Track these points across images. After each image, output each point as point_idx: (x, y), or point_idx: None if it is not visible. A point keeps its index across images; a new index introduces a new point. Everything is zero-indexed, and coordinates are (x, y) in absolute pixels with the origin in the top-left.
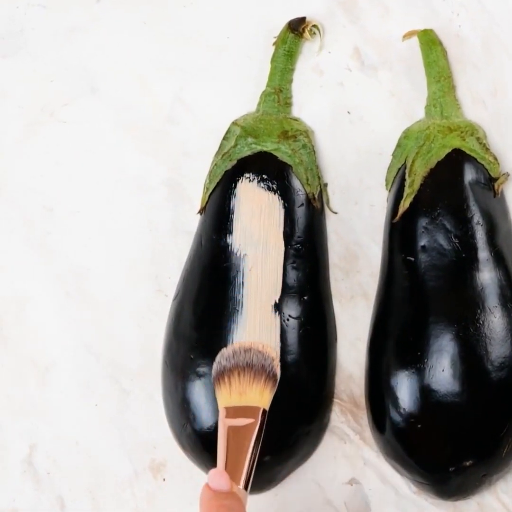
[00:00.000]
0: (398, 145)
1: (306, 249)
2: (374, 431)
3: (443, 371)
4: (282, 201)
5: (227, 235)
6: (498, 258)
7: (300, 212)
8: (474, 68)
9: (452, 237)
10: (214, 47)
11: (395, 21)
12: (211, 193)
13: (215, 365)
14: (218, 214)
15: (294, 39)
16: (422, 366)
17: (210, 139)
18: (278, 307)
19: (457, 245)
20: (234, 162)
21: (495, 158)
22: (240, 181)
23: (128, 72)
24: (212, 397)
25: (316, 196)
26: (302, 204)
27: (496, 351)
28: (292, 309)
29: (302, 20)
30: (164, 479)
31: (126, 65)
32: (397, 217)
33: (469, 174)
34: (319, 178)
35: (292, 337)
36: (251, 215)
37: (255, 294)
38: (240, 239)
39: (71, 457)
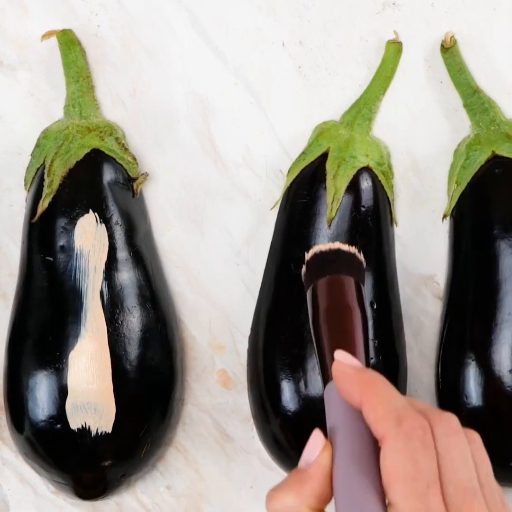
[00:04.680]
0: (37, 145)
1: None
2: (12, 431)
3: None
4: None
5: None
6: (137, 258)
7: None
8: (113, 68)
9: None
10: None
11: (34, 21)
12: None
13: None
14: None
15: None
16: (61, 365)
17: None
18: None
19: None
20: None
21: (134, 158)
22: None
23: None
24: None
25: None
26: None
27: (135, 350)
28: None
29: None
30: None
31: None
32: (36, 217)
33: (108, 174)
34: None
35: None
36: None
37: None
38: None
39: None
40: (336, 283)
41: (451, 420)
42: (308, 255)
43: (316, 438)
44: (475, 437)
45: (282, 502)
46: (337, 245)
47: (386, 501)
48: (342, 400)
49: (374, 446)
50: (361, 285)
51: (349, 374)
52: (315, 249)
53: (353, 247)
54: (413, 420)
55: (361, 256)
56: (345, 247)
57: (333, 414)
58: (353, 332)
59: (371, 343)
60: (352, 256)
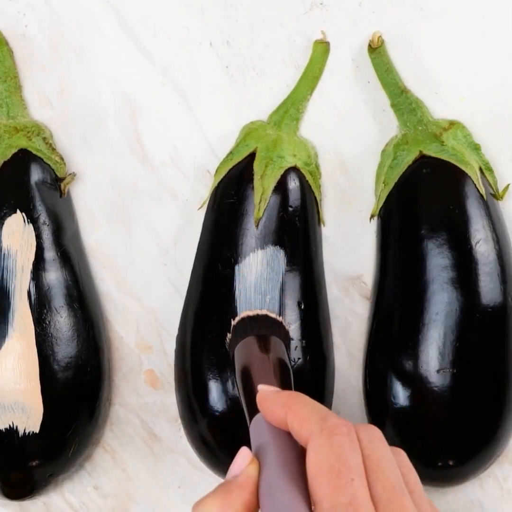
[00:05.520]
0: None
1: None
2: None
3: None
4: None
5: None
6: (65, 258)
7: None
8: (41, 68)
9: None
10: None
11: None
12: None
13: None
14: None
15: None
16: None
17: None
18: None
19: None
20: None
21: (62, 158)
22: None
23: None
24: None
25: None
26: None
27: (63, 350)
28: None
29: None
30: None
31: None
32: None
33: (36, 174)
34: None
35: None
36: None
37: None
38: None
39: None
40: (259, 339)
41: (375, 429)
42: (234, 321)
43: (243, 453)
44: (401, 451)
45: (208, 509)
46: (264, 311)
47: (313, 504)
48: (268, 425)
49: (301, 458)
50: (283, 344)
51: (271, 394)
52: (242, 314)
53: (280, 316)
54: (337, 419)
55: (287, 327)
56: (272, 315)
57: (259, 438)
58: (274, 378)
59: (298, 343)
60: (278, 324)
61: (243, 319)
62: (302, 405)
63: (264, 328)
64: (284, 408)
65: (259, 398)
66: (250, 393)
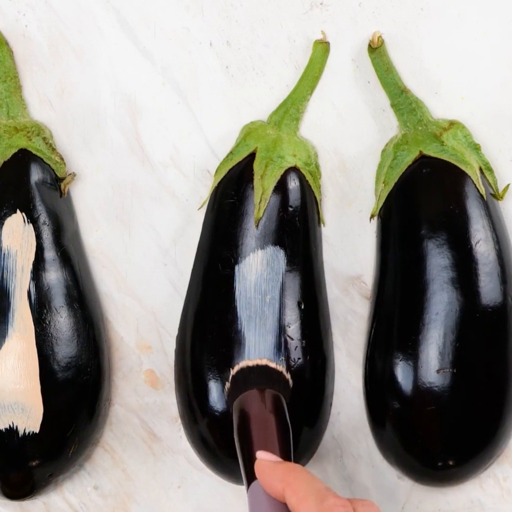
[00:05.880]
0: None
1: None
2: None
3: None
4: None
5: None
6: (65, 258)
7: None
8: (40, 68)
9: None
10: None
11: None
12: None
13: None
14: None
15: None
16: None
17: None
18: None
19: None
20: None
21: (62, 158)
22: None
23: None
24: None
25: None
26: None
27: (63, 350)
28: None
29: None
30: None
31: None
32: None
33: (36, 174)
34: None
35: None
36: None
37: None
38: None
39: None
40: (259, 396)
41: (373, 506)
42: (233, 371)
43: None
44: None
45: None
46: (264, 361)
47: None
48: (266, 495)
49: None
50: (283, 399)
51: (270, 466)
52: (242, 364)
53: (280, 366)
54: (335, 498)
55: (287, 375)
56: (272, 365)
57: (256, 508)
58: (272, 439)
59: (298, 344)
60: (278, 373)
61: (242, 370)
62: (300, 482)
63: (264, 379)
64: (282, 482)
65: (257, 469)
66: (249, 457)
